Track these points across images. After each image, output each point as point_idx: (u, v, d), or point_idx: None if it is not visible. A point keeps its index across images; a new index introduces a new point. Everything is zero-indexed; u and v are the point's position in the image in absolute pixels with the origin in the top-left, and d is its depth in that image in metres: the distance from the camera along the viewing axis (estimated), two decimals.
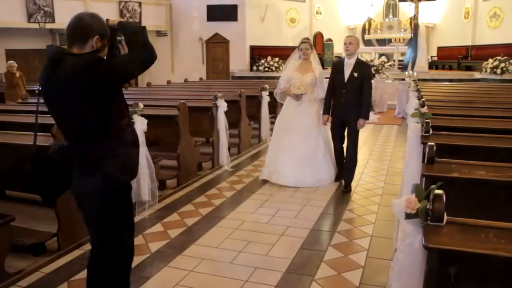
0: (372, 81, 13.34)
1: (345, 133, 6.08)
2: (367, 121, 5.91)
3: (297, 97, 6.10)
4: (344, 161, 6.14)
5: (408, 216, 2.19)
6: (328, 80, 6.14)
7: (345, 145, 6.13)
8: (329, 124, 6.27)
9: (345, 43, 5.84)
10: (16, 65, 11.49)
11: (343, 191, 5.89)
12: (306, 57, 6.19)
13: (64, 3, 16.65)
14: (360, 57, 6.04)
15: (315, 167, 6.18)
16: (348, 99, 5.76)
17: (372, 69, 13.62)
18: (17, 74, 11.36)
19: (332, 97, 6.01)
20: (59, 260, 4.03)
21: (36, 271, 3.83)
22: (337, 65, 6.08)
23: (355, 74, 5.71)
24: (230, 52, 19.58)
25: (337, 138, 6.12)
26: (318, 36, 21.24)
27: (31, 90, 10.33)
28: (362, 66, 5.83)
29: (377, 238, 4.44)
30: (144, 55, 2.53)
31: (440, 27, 21.08)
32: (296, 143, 6.18)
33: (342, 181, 6.11)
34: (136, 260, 3.94)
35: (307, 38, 6.35)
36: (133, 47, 2.56)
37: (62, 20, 16.54)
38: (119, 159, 2.70)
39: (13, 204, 5.27)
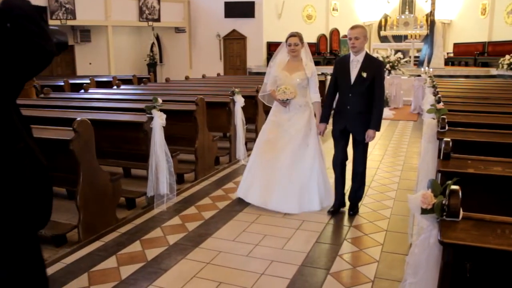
0: (387, 77, 13.52)
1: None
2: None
3: (283, 102, 5.07)
4: (352, 179, 5.04)
5: (424, 211, 2.18)
6: (329, 79, 5.30)
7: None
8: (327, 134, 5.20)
9: (349, 38, 4.69)
10: None
11: (349, 214, 4.94)
12: (295, 54, 5.10)
13: (85, 0, 16.90)
14: (369, 52, 4.93)
15: (300, 189, 5.02)
16: (355, 105, 4.70)
17: (388, 65, 13.59)
18: None
19: (332, 102, 5.02)
20: (79, 251, 4.12)
21: (57, 262, 3.91)
22: (341, 63, 4.89)
23: (364, 75, 4.62)
24: (247, 48, 19.66)
25: (340, 152, 4.95)
26: (335, 32, 21.29)
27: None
28: (372, 64, 4.71)
29: (392, 233, 4.46)
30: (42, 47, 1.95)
31: (457, 24, 20.88)
32: (279, 157, 5.10)
33: (345, 208, 5.07)
34: (154, 252, 4.06)
35: (296, 32, 5.16)
36: (26, 35, 1.92)
37: (83, 17, 16.87)
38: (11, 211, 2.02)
39: None
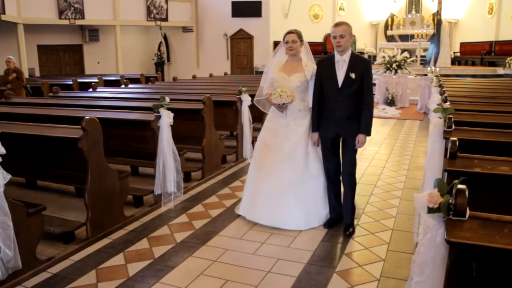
0: (393, 76, 13.51)
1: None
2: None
3: (280, 107, 4.60)
4: (343, 185, 4.61)
5: (431, 210, 2.19)
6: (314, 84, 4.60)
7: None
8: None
9: (334, 37, 4.23)
10: (12, 60, 10.86)
11: (346, 235, 4.41)
12: (293, 52, 4.60)
13: (94, 0, 17.10)
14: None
15: (306, 203, 4.60)
16: (345, 110, 4.29)
17: (394, 64, 13.57)
18: (11, 71, 10.73)
19: (320, 108, 4.48)
20: (87, 248, 4.16)
21: (65, 259, 3.95)
22: (325, 65, 4.41)
23: (352, 75, 4.21)
24: (254, 48, 19.73)
25: (332, 162, 4.53)
26: None
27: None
28: (359, 63, 4.30)
29: (398, 232, 4.47)
30: None
31: (463, 23, 20.84)
32: (280, 168, 4.62)
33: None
34: (162, 250, 4.09)
35: (295, 29, 4.68)
36: None
37: (92, 17, 17.10)
38: None
39: (44, 194, 5.49)
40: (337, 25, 4.27)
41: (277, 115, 4.70)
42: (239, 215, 4.91)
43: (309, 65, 4.65)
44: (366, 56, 20.79)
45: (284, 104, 4.52)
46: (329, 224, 4.57)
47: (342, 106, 4.29)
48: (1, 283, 3.36)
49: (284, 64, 4.71)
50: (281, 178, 4.60)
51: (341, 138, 4.48)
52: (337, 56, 4.32)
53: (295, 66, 4.65)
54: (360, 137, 4.29)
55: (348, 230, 4.43)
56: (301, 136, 4.62)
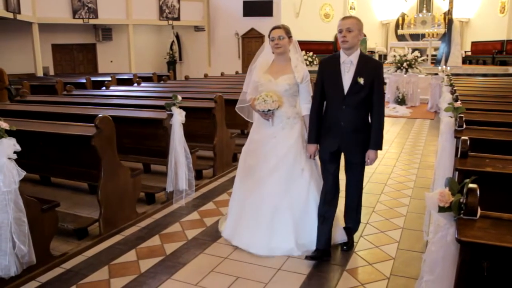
0: (403, 75, 13.47)
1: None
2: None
3: (265, 114, 3.95)
4: (344, 215, 4.15)
5: (442, 209, 2.18)
6: (314, 86, 3.94)
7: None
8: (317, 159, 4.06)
9: (340, 30, 3.60)
10: None
11: (342, 250, 4.03)
12: (280, 51, 3.96)
13: (107, 0, 17.30)
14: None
15: (295, 226, 3.95)
16: (350, 121, 3.66)
17: (405, 63, 13.51)
18: None
19: (320, 115, 3.83)
20: (100, 244, 4.21)
21: (79, 254, 4.00)
22: (329, 65, 3.76)
23: (361, 81, 3.57)
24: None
25: (332, 182, 3.84)
26: None
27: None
28: (369, 66, 3.66)
29: (408, 231, 4.47)
30: None
31: (475, 22, 20.69)
32: (268, 184, 4.00)
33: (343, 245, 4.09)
34: (173, 247, 4.13)
35: (282, 24, 4.07)
36: None
37: (105, 16, 17.30)
38: None
39: (58, 191, 5.56)
40: (345, 18, 3.66)
41: (263, 124, 4.07)
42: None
43: (300, 66, 4.01)
44: (376, 56, 20.75)
45: (269, 110, 3.87)
46: (313, 257, 3.78)
47: (347, 116, 3.65)
48: (16, 277, 3.41)
49: (270, 65, 4.09)
50: (266, 199, 3.98)
51: (342, 154, 3.87)
52: (343, 56, 3.67)
53: (283, 67, 4.02)
54: (370, 153, 3.72)
55: (347, 245, 4.04)
56: (291, 148, 3.97)
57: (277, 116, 3.97)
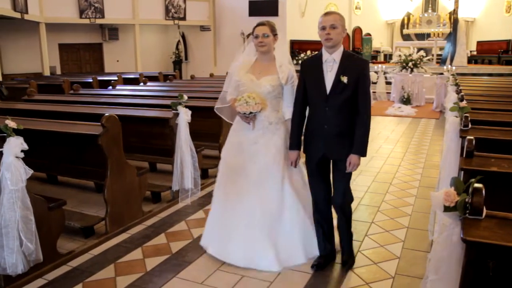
0: (408, 75, 13.44)
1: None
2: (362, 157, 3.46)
3: (246, 117, 3.65)
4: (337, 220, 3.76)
5: (447, 209, 2.18)
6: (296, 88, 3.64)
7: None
8: (301, 165, 3.87)
9: (323, 27, 3.33)
10: None
11: (343, 266, 3.76)
12: (264, 49, 3.68)
13: (113, 0, 17.41)
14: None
15: (278, 239, 3.70)
16: (334, 124, 3.38)
17: (410, 63, 13.49)
18: None
19: (302, 119, 3.59)
20: (106, 243, 4.23)
21: (85, 253, 4.03)
22: (311, 65, 3.52)
23: (344, 79, 3.31)
24: None
25: (319, 189, 3.64)
26: (357, 30, 21.27)
27: None
28: (353, 63, 3.39)
29: (413, 230, 4.47)
30: None
31: (480, 22, 20.61)
32: (247, 194, 3.72)
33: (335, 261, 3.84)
34: (179, 245, 4.15)
35: (267, 20, 3.76)
36: None
37: (112, 16, 17.43)
38: None
39: (64, 189, 5.59)
40: (327, 13, 3.39)
41: (244, 127, 3.75)
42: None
43: (285, 66, 3.71)
44: (382, 55, 20.68)
45: (251, 113, 3.57)
46: (318, 265, 3.69)
47: (330, 118, 3.38)
48: (23, 275, 3.44)
49: (253, 64, 3.80)
50: (245, 208, 3.71)
51: (329, 163, 3.62)
52: (325, 55, 3.41)
53: (267, 67, 3.72)
54: (352, 158, 3.39)
55: (345, 264, 3.75)
56: (274, 156, 3.68)
57: (259, 121, 3.68)
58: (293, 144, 3.61)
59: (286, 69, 3.69)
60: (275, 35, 3.69)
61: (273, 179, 3.68)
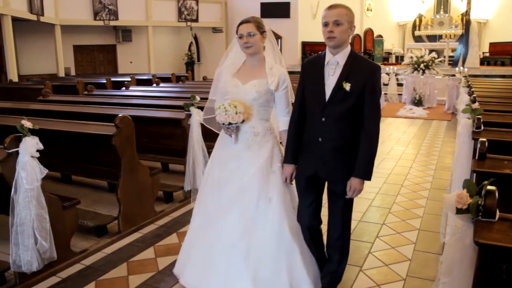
0: (420, 77, 13.38)
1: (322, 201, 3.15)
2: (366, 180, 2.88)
3: (227, 129, 3.08)
4: (326, 251, 3.24)
5: (459, 211, 2.17)
6: (295, 94, 3.11)
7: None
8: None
9: (326, 23, 2.78)
10: None
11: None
12: (251, 51, 3.07)
13: (127, 2, 17.79)
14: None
15: (258, 271, 2.99)
16: (331, 137, 2.82)
17: (422, 65, 13.42)
18: None
19: (300, 129, 3.01)
20: (119, 242, 4.27)
21: (98, 251, 4.07)
22: (312, 67, 2.97)
23: (347, 86, 2.73)
24: (283, 48, 19.81)
25: (307, 212, 3.04)
26: (369, 32, 21.24)
27: None
28: (360, 68, 2.79)
29: (425, 232, 4.46)
30: None
31: (493, 23, 20.45)
32: (225, 219, 3.08)
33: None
34: None
35: (252, 17, 3.11)
36: None
37: (125, 18, 17.66)
38: None
39: (78, 189, 5.64)
40: (331, 7, 2.81)
41: (227, 139, 3.19)
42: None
43: (276, 69, 3.14)
44: (393, 57, 20.54)
45: (231, 124, 3.03)
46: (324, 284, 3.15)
47: (326, 129, 2.82)
48: (37, 272, 3.48)
49: (240, 67, 3.23)
50: (224, 237, 3.06)
51: (323, 184, 3.04)
52: (328, 56, 2.86)
53: (255, 70, 3.15)
54: (353, 181, 2.82)
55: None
56: (257, 173, 3.06)
57: (243, 132, 3.12)
58: (288, 157, 3.06)
59: (277, 72, 3.12)
60: (262, 32, 3.08)
61: (256, 198, 3.04)
